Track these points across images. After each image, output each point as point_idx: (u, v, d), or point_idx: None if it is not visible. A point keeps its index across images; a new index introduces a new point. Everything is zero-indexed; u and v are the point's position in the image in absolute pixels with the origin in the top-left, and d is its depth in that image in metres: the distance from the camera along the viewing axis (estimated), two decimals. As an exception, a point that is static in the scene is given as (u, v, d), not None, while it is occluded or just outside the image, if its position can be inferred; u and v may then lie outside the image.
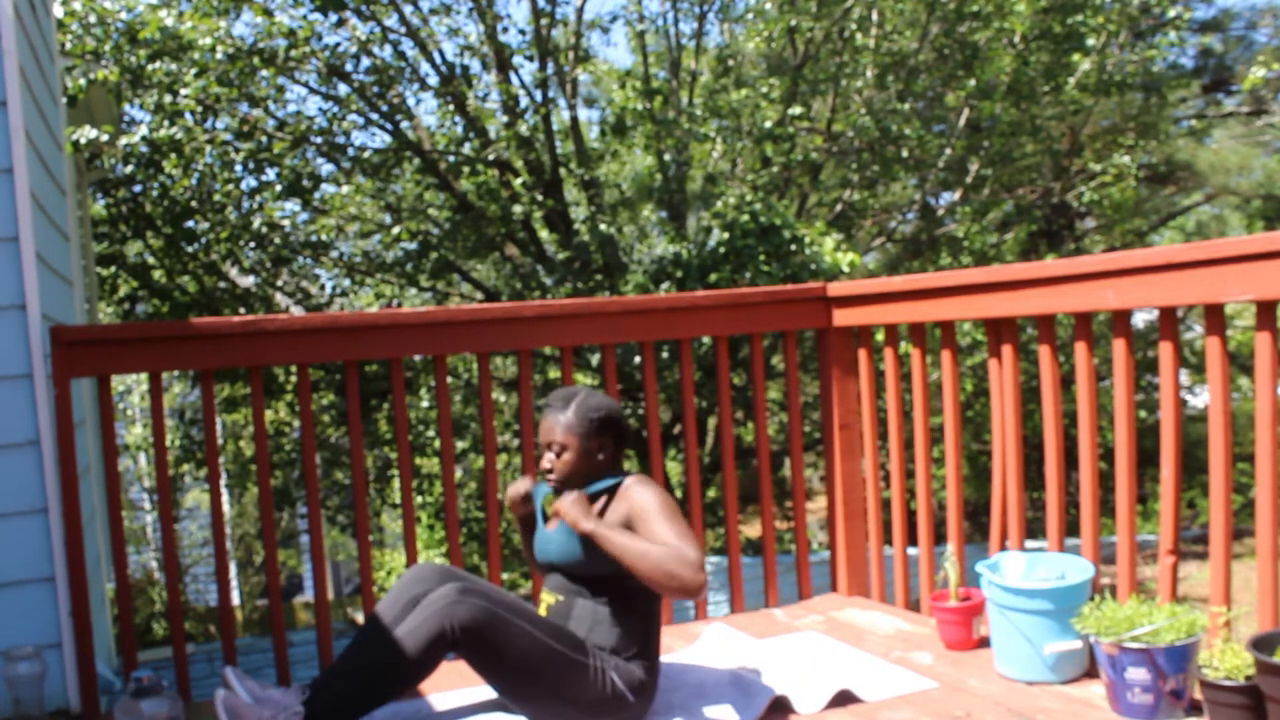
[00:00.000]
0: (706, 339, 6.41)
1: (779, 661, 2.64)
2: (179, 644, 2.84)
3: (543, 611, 2.42)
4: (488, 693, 2.60)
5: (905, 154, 9.35)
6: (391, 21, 8.75)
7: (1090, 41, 9.76)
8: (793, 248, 7.57)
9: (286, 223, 8.95)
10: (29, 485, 2.62)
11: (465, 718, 2.46)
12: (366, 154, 8.76)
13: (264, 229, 8.55)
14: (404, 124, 9.06)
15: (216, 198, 8.34)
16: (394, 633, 2.25)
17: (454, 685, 2.65)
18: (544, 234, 9.74)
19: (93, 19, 7.69)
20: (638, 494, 2.36)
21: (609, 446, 2.45)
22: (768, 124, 9.14)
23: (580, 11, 9.15)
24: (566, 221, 9.31)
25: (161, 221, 8.35)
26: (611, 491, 2.44)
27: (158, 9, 7.87)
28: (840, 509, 3.50)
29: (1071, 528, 10.39)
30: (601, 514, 2.41)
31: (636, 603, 2.37)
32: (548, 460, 2.43)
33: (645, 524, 2.31)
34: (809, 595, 3.47)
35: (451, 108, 8.88)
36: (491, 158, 8.74)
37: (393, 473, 9.18)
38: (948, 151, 9.94)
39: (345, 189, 9.35)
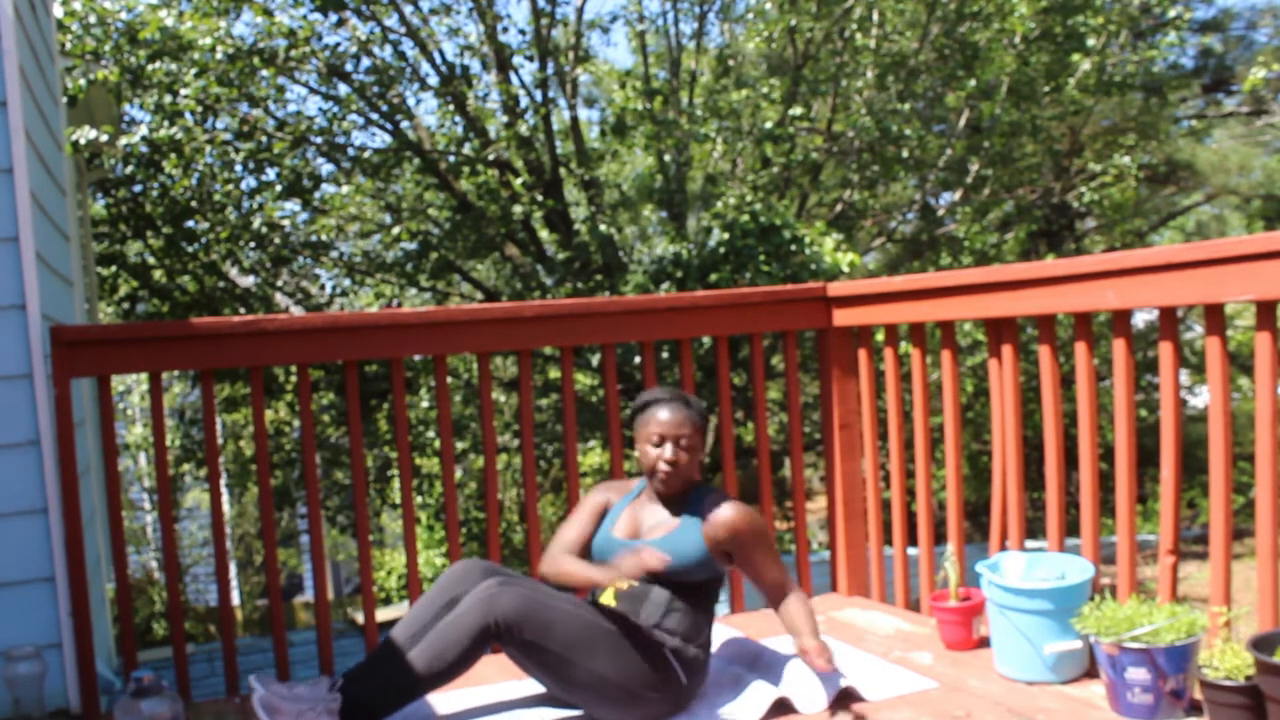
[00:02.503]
0: (706, 339, 6.41)
1: (779, 662, 2.64)
2: (179, 644, 2.84)
3: (610, 597, 2.46)
4: (488, 693, 2.61)
5: (905, 154, 9.34)
6: (391, 21, 8.75)
7: (1090, 42, 9.75)
8: (793, 248, 7.56)
9: (286, 223, 8.94)
10: (29, 485, 2.62)
11: (468, 717, 2.46)
12: (366, 154, 8.75)
13: (264, 229, 8.54)
14: (404, 124, 9.05)
15: (216, 198, 8.34)
16: (435, 626, 2.27)
17: (452, 686, 2.65)
18: (544, 234, 9.74)
19: (93, 19, 7.68)
20: (734, 514, 2.48)
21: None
22: (768, 124, 9.14)
23: (580, 11, 9.15)
24: (566, 221, 9.30)
25: (161, 221, 8.34)
26: (695, 497, 2.55)
27: (158, 9, 7.86)
28: (840, 509, 3.50)
29: (1071, 528, 10.38)
30: (695, 513, 2.52)
31: (705, 600, 2.48)
32: (672, 452, 2.48)
33: (751, 557, 2.51)
34: (809, 595, 3.47)
35: (451, 108, 8.88)
36: (491, 158, 8.73)
37: (393, 473, 9.17)
38: (948, 152, 9.94)
39: (345, 189, 9.35)
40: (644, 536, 2.53)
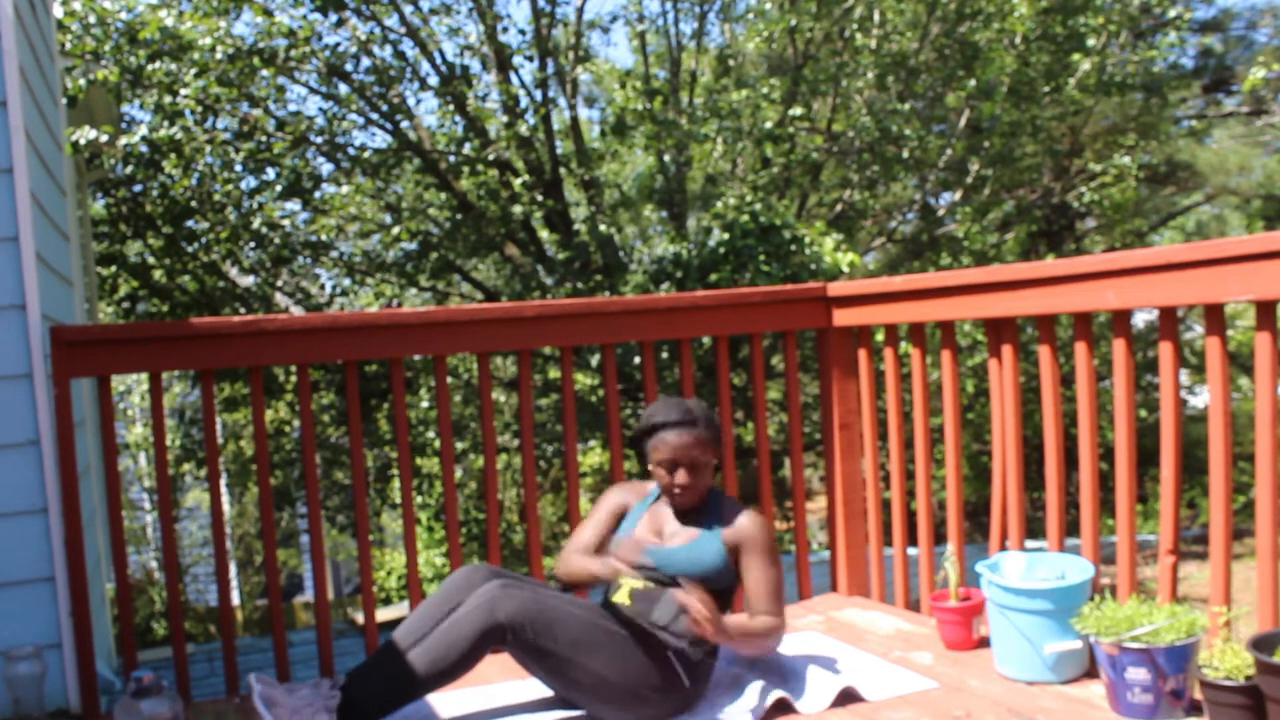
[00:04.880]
0: (706, 339, 6.40)
1: (779, 661, 2.64)
2: (179, 644, 2.84)
3: (624, 596, 2.45)
4: (489, 693, 2.61)
5: (905, 154, 9.35)
6: (391, 21, 8.75)
7: (1090, 42, 9.76)
8: (793, 248, 7.56)
9: (286, 223, 8.95)
10: (29, 485, 2.62)
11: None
12: (366, 154, 8.76)
13: (264, 229, 8.54)
14: (404, 124, 9.06)
15: (216, 198, 8.34)
16: (438, 628, 2.28)
17: (454, 685, 2.65)
18: (544, 234, 9.74)
19: (93, 19, 7.68)
20: (750, 523, 2.49)
21: (720, 455, 2.58)
22: (768, 124, 9.14)
23: (580, 11, 9.15)
24: (566, 221, 9.30)
25: (161, 221, 8.35)
26: (714, 505, 2.55)
27: (158, 9, 7.87)
28: (840, 509, 3.50)
29: (1071, 528, 10.39)
30: (699, 525, 2.52)
31: (717, 603, 2.44)
32: (682, 476, 2.48)
33: (749, 561, 2.47)
34: (809, 595, 3.47)
35: (451, 108, 8.89)
36: (491, 158, 8.73)
37: (393, 473, 9.18)
38: (948, 152, 9.94)
39: (345, 189, 9.35)
40: (666, 542, 2.53)
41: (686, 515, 2.56)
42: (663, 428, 2.50)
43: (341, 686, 2.28)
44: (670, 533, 2.55)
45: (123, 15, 7.78)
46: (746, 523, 2.50)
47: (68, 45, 7.48)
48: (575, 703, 2.38)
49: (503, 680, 2.67)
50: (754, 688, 2.46)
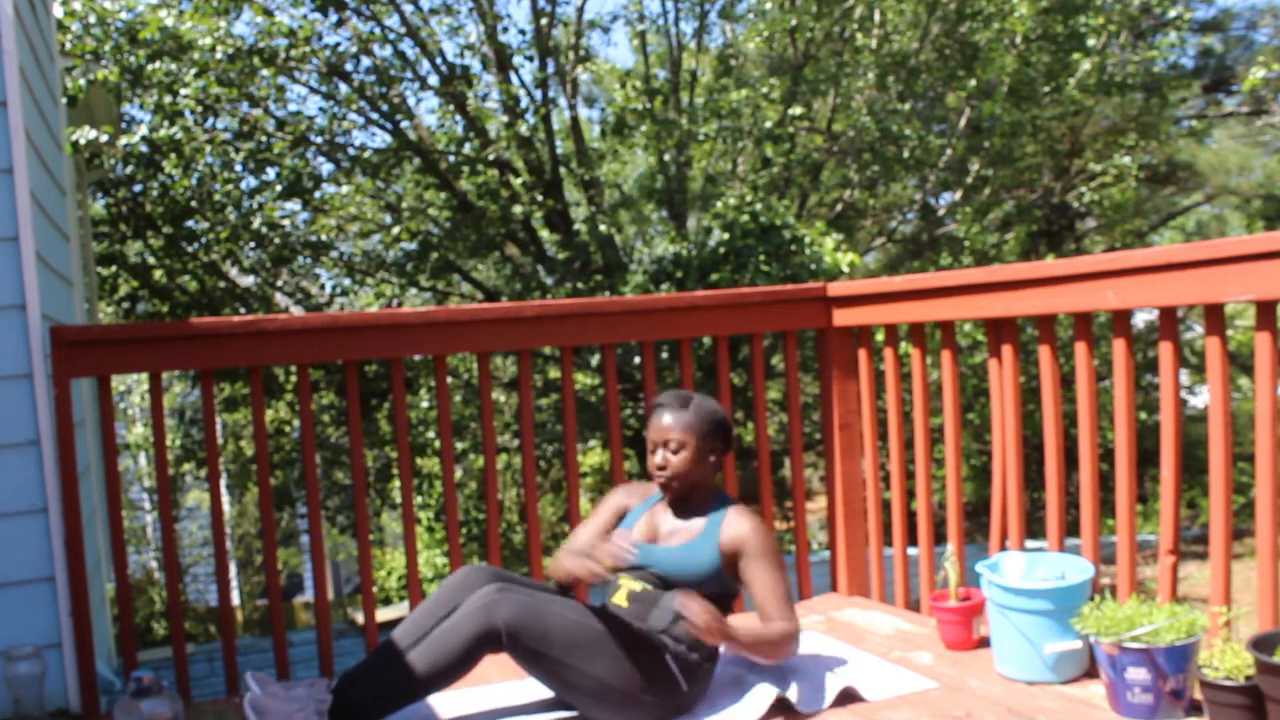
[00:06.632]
0: (706, 339, 6.40)
1: (779, 661, 2.64)
2: (179, 644, 2.84)
3: (622, 598, 2.45)
4: (489, 693, 2.61)
5: (906, 154, 9.35)
6: (392, 21, 8.76)
7: (1091, 42, 9.76)
8: (793, 248, 7.57)
9: (286, 223, 8.95)
10: (29, 485, 2.62)
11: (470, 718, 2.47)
12: (366, 154, 8.76)
13: (264, 229, 8.55)
14: (404, 124, 9.06)
15: (216, 198, 8.34)
16: (434, 631, 2.28)
17: (453, 685, 2.65)
18: (544, 234, 9.74)
19: (93, 19, 7.69)
20: (746, 528, 2.43)
21: (719, 451, 2.52)
22: (768, 124, 9.14)
23: (580, 11, 9.16)
24: (566, 221, 9.31)
25: (161, 221, 8.35)
26: (715, 510, 2.50)
27: (158, 9, 7.87)
28: (840, 509, 3.50)
29: (1071, 528, 10.38)
30: (698, 528, 2.48)
31: (716, 606, 2.40)
32: (661, 457, 2.48)
33: (750, 567, 2.42)
34: (809, 595, 3.47)
35: (451, 107, 8.89)
36: (491, 158, 8.74)
37: (393, 473, 9.18)
38: (948, 152, 9.94)
39: (345, 189, 9.35)
40: (661, 543, 2.52)
41: (687, 517, 2.53)
42: (653, 411, 2.53)
43: (335, 689, 2.28)
44: (666, 533, 2.53)
45: (123, 15, 7.78)
46: (743, 527, 2.45)
47: (68, 45, 7.49)
48: (572, 704, 2.38)
49: (503, 680, 2.67)
50: (753, 688, 2.46)
